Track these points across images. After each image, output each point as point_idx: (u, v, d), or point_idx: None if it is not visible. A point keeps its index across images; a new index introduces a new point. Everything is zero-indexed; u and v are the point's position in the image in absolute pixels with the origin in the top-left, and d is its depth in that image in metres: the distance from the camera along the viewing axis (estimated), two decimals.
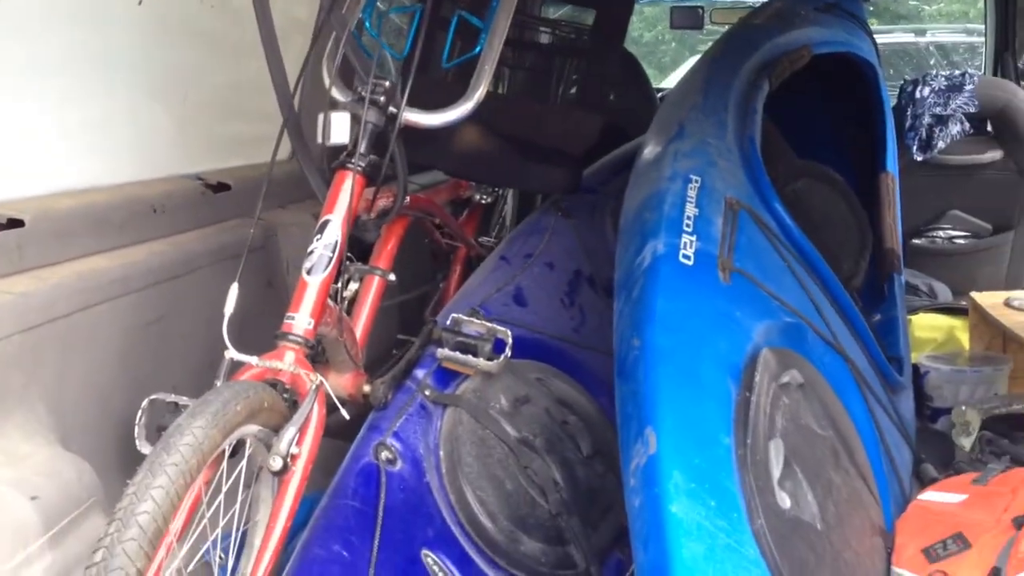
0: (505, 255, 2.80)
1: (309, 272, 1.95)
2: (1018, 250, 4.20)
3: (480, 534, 2.15)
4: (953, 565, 1.95)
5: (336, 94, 2.17)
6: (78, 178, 2.20)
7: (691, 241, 2.17)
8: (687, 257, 2.13)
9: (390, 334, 2.76)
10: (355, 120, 2.07)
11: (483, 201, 3.14)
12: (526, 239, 2.89)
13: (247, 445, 1.75)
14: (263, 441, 1.77)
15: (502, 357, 2.31)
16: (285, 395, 1.84)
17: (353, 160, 2.06)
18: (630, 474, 1.79)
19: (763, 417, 1.90)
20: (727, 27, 4.19)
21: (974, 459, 2.69)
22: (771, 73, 2.93)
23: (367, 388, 2.21)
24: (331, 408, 1.95)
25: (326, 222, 2.00)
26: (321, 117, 2.05)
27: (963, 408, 2.92)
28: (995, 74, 4.87)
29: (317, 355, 2.02)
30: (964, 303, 3.54)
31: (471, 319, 2.42)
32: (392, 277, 2.36)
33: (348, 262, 2.09)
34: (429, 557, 2.06)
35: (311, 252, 1.97)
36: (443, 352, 2.33)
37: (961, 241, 4.25)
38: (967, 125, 4.17)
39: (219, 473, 1.68)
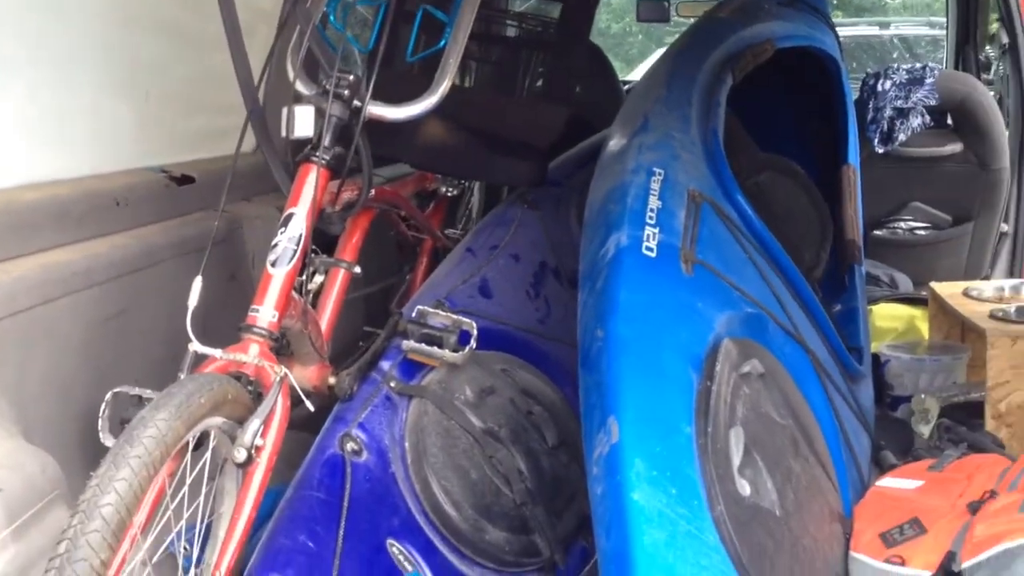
0: (471, 247, 2.81)
1: (273, 265, 1.96)
2: (977, 241, 4.26)
3: (445, 523, 2.16)
4: (909, 549, 1.98)
5: (300, 87, 2.17)
6: (39, 171, 2.18)
7: (654, 233, 2.19)
8: (650, 249, 2.15)
9: (356, 326, 2.76)
10: (319, 113, 2.07)
11: (449, 194, 3.15)
12: (492, 231, 2.90)
13: (211, 437, 1.75)
14: (227, 433, 1.77)
15: (467, 348, 2.32)
16: (249, 387, 1.84)
17: (317, 153, 2.06)
18: (593, 463, 1.81)
19: (724, 406, 1.92)
20: (693, 20, 4.23)
21: (933, 446, 2.74)
22: (735, 67, 2.96)
23: (332, 380, 2.22)
24: (296, 400, 1.95)
25: (290, 215, 2.01)
26: (285, 110, 2.05)
27: (922, 396, 2.97)
28: (956, 67, 4.94)
29: (282, 347, 2.03)
30: (924, 293, 3.59)
31: (436, 311, 2.43)
32: (357, 270, 2.37)
33: (313, 255, 2.09)
34: (395, 546, 2.08)
35: (275, 245, 1.97)
36: (408, 344, 2.34)
37: (922, 232, 4.30)
38: (928, 118, 4.22)
39: (183, 465, 1.68)
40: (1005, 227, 4.23)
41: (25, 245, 2.02)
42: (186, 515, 1.69)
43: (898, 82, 4.25)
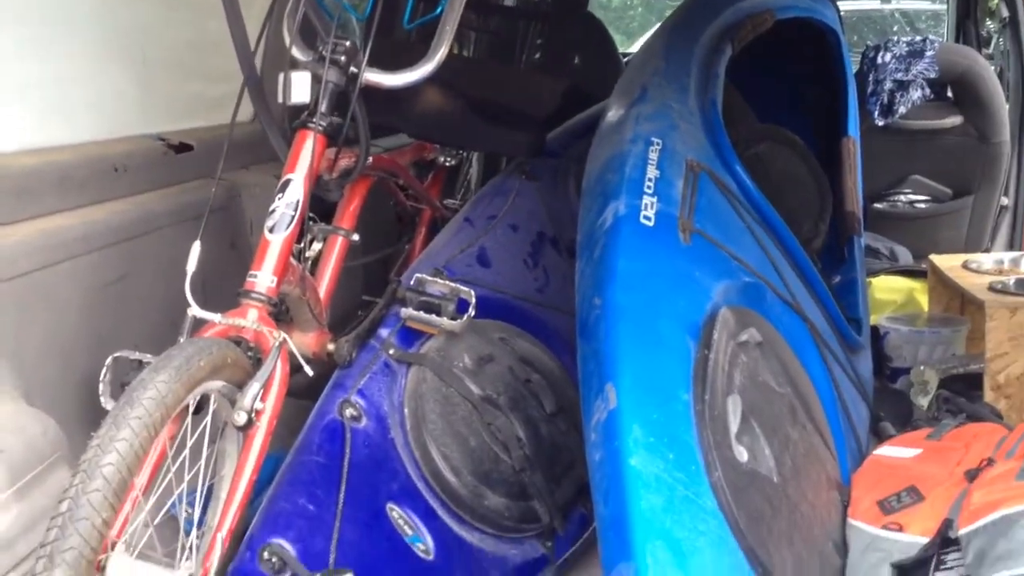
0: (469, 217, 2.80)
1: (271, 230, 1.95)
2: (977, 214, 4.25)
3: (445, 489, 2.17)
4: (907, 517, 1.99)
5: (297, 53, 2.16)
6: (36, 136, 2.18)
7: (652, 202, 2.19)
8: (648, 218, 2.15)
9: (354, 296, 2.77)
10: (316, 80, 2.06)
11: (448, 164, 3.14)
12: (490, 201, 2.89)
13: (211, 401, 1.75)
14: (227, 397, 1.77)
15: (465, 316, 2.33)
16: (249, 352, 1.84)
17: (314, 120, 2.05)
18: (591, 429, 1.82)
19: (721, 374, 1.93)
20: None
21: (931, 417, 2.74)
22: (734, 37, 2.95)
23: (331, 346, 2.22)
24: (295, 368, 1.96)
25: (287, 181, 2.00)
26: (282, 76, 2.04)
27: (922, 368, 2.98)
28: (957, 41, 4.90)
29: (280, 313, 2.03)
30: (924, 266, 3.59)
31: (435, 279, 2.43)
32: (355, 237, 2.37)
33: (311, 222, 2.09)
34: (395, 511, 2.09)
35: (273, 210, 1.97)
36: (407, 312, 2.34)
37: (922, 205, 4.30)
38: (928, 90, 4.21)
39: (184, 429, 1.69)
40: (1005, 200, 4.23)
41: (24, 210, 2.02)
42: (187, 478, 1.70)
43: (898, 54, 4.23)
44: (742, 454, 1.87)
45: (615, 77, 3.09)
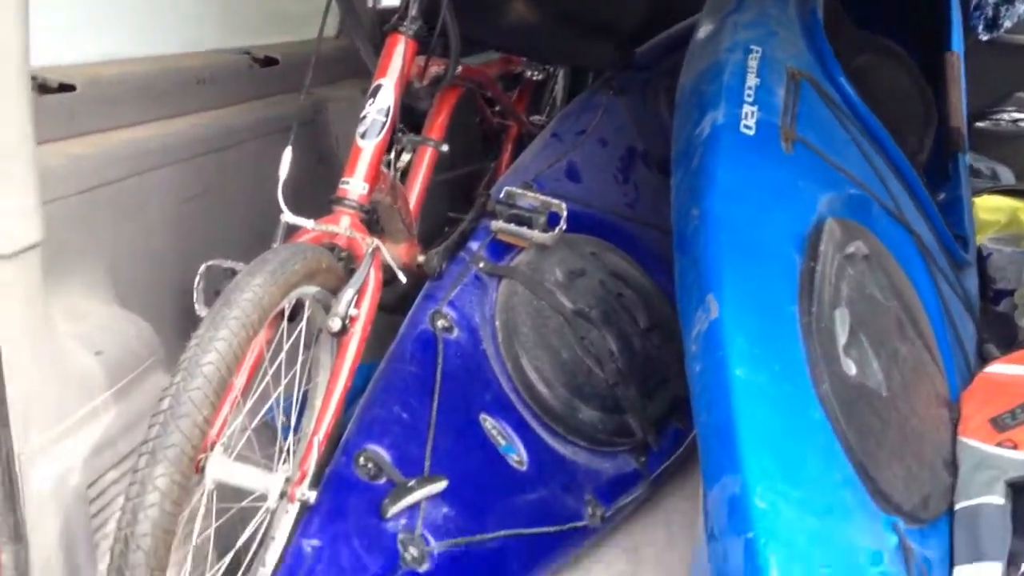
0: (557, 132, 2.75)
1: (363, 136, 1.92)
2: None
3: (537, 401, 2.14)
4: (1022, 434, 1.91)
5: None
6: (121, 47, 2.15)
7: (752, 111, 2.12)
8: (748, 127, 2.09)
9: (441, 212, 2.73)
10: None
11: (534, 78, 3.06)
12: (578, 116, 2.83)
13: (306, 307, 1.73)
14: (321, 303, 1.76)
15: (556, 230, 2.28)
16: (342, 259, 1.82)
17: (405, 23, 2.00)
18: (692, 340, 1.78)
19: (828, 286, 1.87)
20: None
21: None
22: None
23: (421, 258, 2.20)
24: (385, 280, 1.93)
25: (378, 86, 1.96)
26: None
27: None
28: None
29: (372, 222, 2.00)
30: None
31: (525, 192, 2.38)
32: (445, 148, 2.32)
33: (401, 133, 2.05)
34: (488, 421, 2.07)
35: (364, 117, 1.94)
36: (497, 224, 2.30)
37: None
38: None
39: (279, 334, 1.67)
40: None
41: (111, 119, 2.01)
42: (283, 384, 1.68)
43: None
44: (851, 367, 1.80)
45: None
